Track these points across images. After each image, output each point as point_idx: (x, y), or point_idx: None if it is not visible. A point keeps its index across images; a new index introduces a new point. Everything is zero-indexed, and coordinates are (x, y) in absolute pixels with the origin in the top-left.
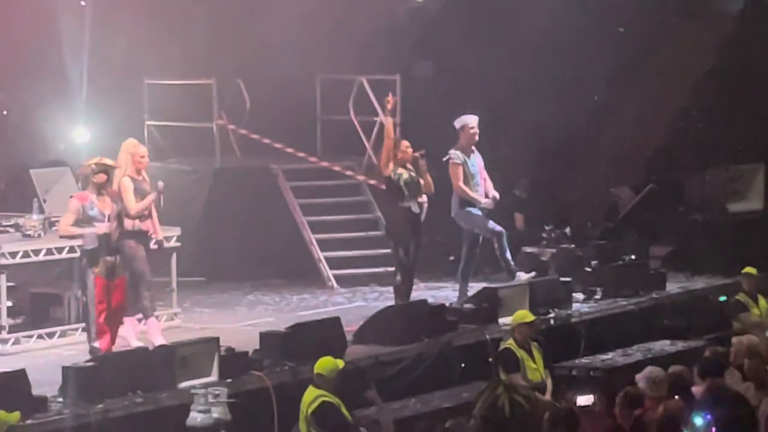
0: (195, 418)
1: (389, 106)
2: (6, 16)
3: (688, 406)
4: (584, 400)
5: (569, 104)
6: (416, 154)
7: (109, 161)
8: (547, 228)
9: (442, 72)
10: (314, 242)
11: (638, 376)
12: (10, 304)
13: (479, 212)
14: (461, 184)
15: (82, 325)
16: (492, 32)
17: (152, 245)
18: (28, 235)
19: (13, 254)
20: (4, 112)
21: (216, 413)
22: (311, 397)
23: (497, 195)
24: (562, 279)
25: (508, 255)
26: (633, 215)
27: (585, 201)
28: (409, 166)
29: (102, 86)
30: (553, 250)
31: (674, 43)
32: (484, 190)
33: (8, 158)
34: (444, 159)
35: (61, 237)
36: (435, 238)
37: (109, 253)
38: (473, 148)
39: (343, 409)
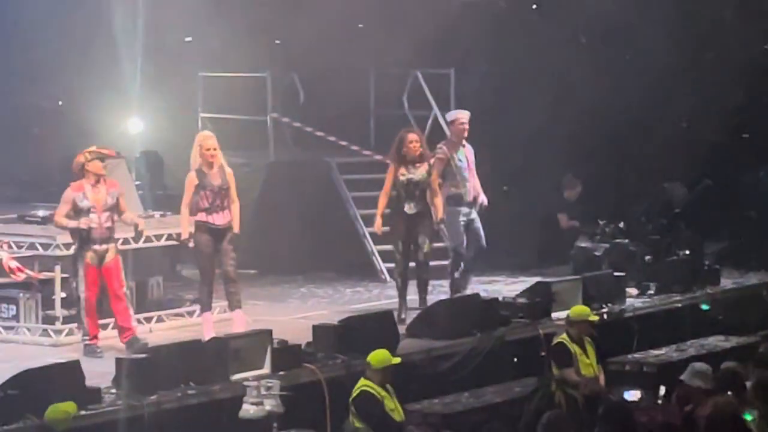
0: (247, 410)
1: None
2: (62, 8)
3: (740, 402)
4: (631, 395)
5: (623, 98)
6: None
7: (105, 150)
8: (600, 223)
9: (496, 66)
10: (367, 235)
11: (683, 376)
12: (64, 295)
13: (459, 217)
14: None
15: (137, 316)
16: (546, 26)
17: (226, 243)
18: None
19: (67, 246)
20: (60, 103)
21: (268, 406)
22: (357, 386)
23: (486, 201)
24: (615, 274)
25: (457, 274)
26: (687, 211)
27: (639, 196)
28: (418, 165)
29: (156, 78)
30: (607, 245)
31: (728, 39)
32: (472, 185)
33: (63, 149)
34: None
35: (56, 227)
36: (495, 231)
37: (100, 243)
38: (464, 141)
39: (388, 402)
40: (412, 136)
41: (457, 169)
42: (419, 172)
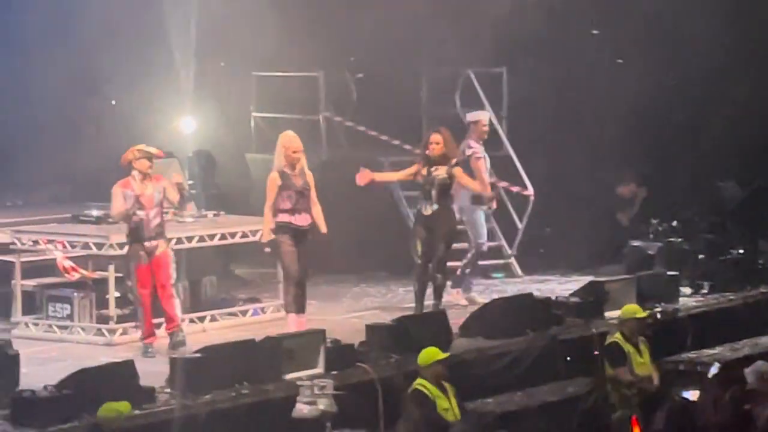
0: (301, 409)
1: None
2: (118, 8)
3: None
4: (691, 395)
5: (676, 97)
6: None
7: (152, 150)
8: (653, 221)
9: (548, 64)
10: None
11: (747, 370)
12: (117, 294)
13: (482, 216)
14: (487, 179)
15: (190, 315)
16: (598, 26)
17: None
18: None
19: (121, 245)
20: (113, 102)
21: (322, 405)
22: (412, 385)
23: (494, 204)
24: (669, 273)
25: (468, 270)
26: (741, 209)
27: (692, 195)
28: (439, 166)
29: (209, 77)
30: (660, 244)
31: None
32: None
33: (117, 149)
34: (468, 153)
35: (116, 219)
36: (542, 230)
37: (149, 240)
38: (480, 142)
39: (441, 401)
40: (435, 137)
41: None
42: (438, 173)
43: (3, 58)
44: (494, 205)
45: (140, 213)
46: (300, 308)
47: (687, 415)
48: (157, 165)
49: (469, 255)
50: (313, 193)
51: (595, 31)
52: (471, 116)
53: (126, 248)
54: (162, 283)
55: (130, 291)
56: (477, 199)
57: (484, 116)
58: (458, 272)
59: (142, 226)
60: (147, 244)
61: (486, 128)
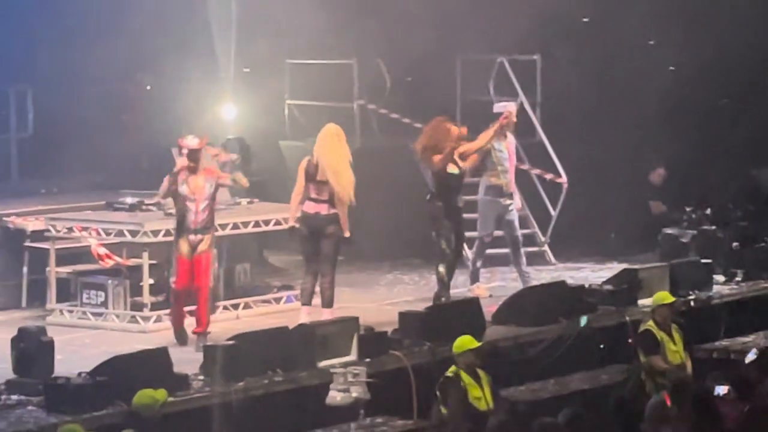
0: (334, 397)
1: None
2: None
3: None
4: (721, 390)
5: (710, 83)
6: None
7: (210, 149)
8: (687, 209)
9: (582, 51)
10: None
11: None
12: (152, 281)
13: (496, 208)
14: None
15: (224, 303)
16: (633, 12)
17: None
18: (170, 214)
19: (155, 232)
20: (148, 87)
21: (355, 392)
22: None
23: (519, 205)
24: (702, 261)
25: (479, 264)
26: None
27: (726, 182)
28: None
29: (245, 64)
30: (694, 232)
31: None
32: (512, 176)
33: (151, 135)
34: None
35: (162, 197)
36: (582, 218)
37: (195, 233)
38: (506, 133)
39: (473, 390)
40: (454, 126)
41: (498, 160)
42: (461, 164)
43: (47, 47)
44: (511, 190)
45: (190, 204)
46: None
47: (713, 406)
48: None
49: (475, 248)
50: None
51: (652, 42)
52: (495, 107)
53: (172, 237)
54: (199, 285)
55: (167, 280)
56: (493, 191)
57: (508, 107)
58: (470, 266)
59: (190, 217)
60: (192, 237)
61: (506, 120)
